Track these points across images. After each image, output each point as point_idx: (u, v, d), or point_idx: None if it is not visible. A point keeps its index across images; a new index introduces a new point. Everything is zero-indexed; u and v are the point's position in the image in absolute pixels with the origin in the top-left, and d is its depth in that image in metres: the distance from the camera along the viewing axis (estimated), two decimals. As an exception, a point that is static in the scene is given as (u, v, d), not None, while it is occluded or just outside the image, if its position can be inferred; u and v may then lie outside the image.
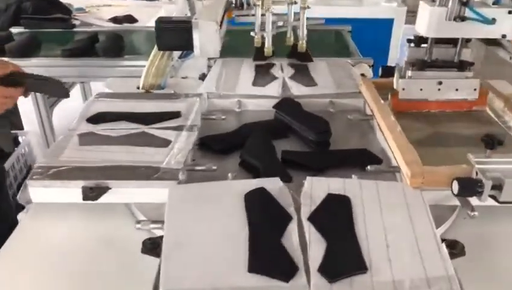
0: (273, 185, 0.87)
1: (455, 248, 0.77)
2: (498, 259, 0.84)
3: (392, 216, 0.80)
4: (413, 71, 1.18)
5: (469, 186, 0.81)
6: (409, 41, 1.22)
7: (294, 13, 1.55)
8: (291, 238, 0.75)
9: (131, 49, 1.96)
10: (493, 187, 0.79)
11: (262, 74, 1.45)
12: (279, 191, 0.86)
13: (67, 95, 1.14)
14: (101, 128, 1.12)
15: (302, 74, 1.45)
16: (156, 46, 1.56)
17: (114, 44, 1.88)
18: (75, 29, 2.20)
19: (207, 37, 1.28)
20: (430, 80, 1.19)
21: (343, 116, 1.26)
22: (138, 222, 0.85)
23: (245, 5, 1.63)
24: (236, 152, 1.06)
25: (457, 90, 1.21)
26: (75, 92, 2.52)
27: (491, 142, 0.87)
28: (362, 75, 1.43)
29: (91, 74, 1.85)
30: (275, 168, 0.98)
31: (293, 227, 0.77)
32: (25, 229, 0.93)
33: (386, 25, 2.74)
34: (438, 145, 1.13)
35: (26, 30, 2.14)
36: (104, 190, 0.91)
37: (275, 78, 1.42)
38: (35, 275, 0.82)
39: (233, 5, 1.67)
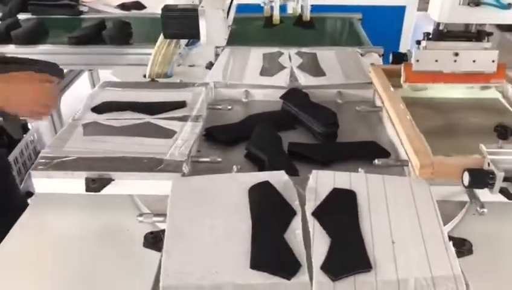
0: (278, 178, 0.86)
1: (463, 247, 0.75)
2: (507, 258, 0.82)
3: (399, 212, 0.78)
4: (429, 41, 1.12)
5: (480, 178, 0.79)
6: (418, 43, 1.15)
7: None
8: (294, 234, 0.74)
9: (139, 36, 1.94)
10: (505, 179, 0.77)
11: (270, 63, 1.43)
12: (283, 185, 0.85)
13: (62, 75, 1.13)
14: (106, 118, 1.11)
15: (311, 64, 1.42)
16: (162, 34, 1.55)
17: (121, 31, 1.87)
18: (82, 16, 2.19)
19: (214, 25, 1.25)
20: (445, 51, 1.12)
21: (352, 108, 1.24)
22: (140, 214, 0.84)
23: None
24: (242, 143, 1.05)
25: (474, 61, 1.13)
26: (84, 79, 2.51)
27: (504, 132, 0.84)
28: (372, 64, 1.40)
29: (98, 62, 1.84)
30: (281, 161, 0.97)
31: (297, 222, 0.76)
32: (28, 219, 0.93)
33: (397, 12, 2.68)
34: (448, 135, 1.11)
35: (34, 16, 2.13)
36: (107, 181, 0.90)
37: (283, 67, 1.39)
38: (37, 266, 0.82)
39: None
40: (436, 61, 1.12)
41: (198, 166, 0.98)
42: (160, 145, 0.99)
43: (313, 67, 1.40)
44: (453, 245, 0.72)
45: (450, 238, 0.73)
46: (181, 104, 1.16)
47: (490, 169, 0.79)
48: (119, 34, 1.85)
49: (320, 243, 0.72)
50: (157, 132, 1.05)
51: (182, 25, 1.28)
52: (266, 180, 0.85)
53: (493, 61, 1.14)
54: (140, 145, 0.99)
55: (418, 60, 1.13)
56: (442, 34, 1.12)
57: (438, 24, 1.11)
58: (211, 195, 0.82)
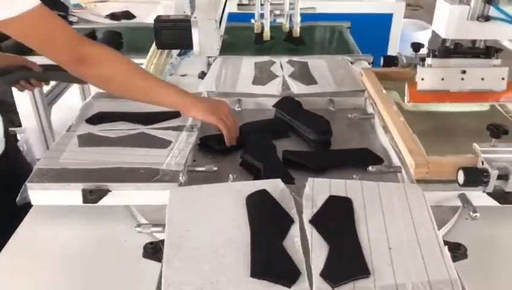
0: (274, 186, 0.87)
1: (458, 251, 0.77)
2: (500, 261, 0.84)
3: (394, 218, 0.80)
4: (434, 59, 1.06)
5: (474, 176, 0.80)
6: (422, 60, 1.09)
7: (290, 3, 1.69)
8: (293, 242, 0.75)
9: (129, 46, 1.94)
10: (499, 177, 0.79)
11: (262, 72, 1.44)
12: (280, 193, 0.86)
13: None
14: (100, 129, 1.11)
15: (302, 72, 1.44)
16: (154, 44, 1.56)
17: (112, 41, 1.86)
18: (72, 26, 2.18)
19: (206, 36, 1.27)
20: (452, 69, 1.06)
21: (344, 115, 1.25)
22: (138, 225, 0.85)
23: None
24: (237, 152, 1.06)
25: (482, 79, 1.08)
26: (74, 90, 2.50)
27: (497, 131, 0.86)
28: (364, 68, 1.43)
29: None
30: (276, 169, 0.98)
31: (295, 230, 0.77)
32: (25, 232, 0.92)
33: (385, 19, 2.72)
34: (441, 135, 1.12)
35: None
36: (104, 192, 0.91)
37: (275, 76, 1.41)
38: (35, 279, 0.81)
39: None
40: (443, 79, 1.06)
41: (194, 175, 0.98)
42: (156, 156, 0.99)
43: (305, 76, 1.41)
44: (448, 250, 0.73)
45: (445, 243, 0.75)
46: (175, 114, 1.17)
47: (484, 167, 0.81)
48: (109, 44, 1.85)
49: (319, 250, 0.73)
50: (152, 142, 1.06)
51: (174, 36, 1.30)
52: (263, 188, 0.86)
53: (503, 78, 1.08)
54: (136, 156, 1.00)
55: (422, 79, 1.06)
56: (448, 50, 1.06)
57: (444, 40, 1.05)
58: (208, 204, 0.83)
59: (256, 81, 1.39)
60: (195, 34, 1.26)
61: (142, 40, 2.04)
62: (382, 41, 2.72)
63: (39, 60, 1.45)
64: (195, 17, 1.26)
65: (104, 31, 1.96)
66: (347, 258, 0.72)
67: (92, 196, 0.89)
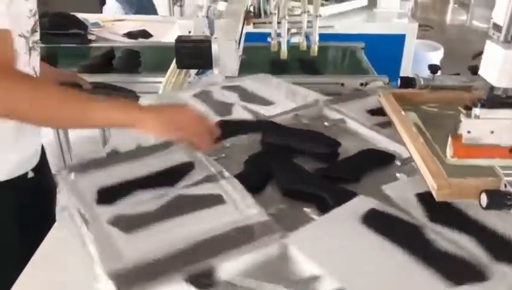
0: (367, 203, 0.90)
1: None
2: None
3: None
4: (482, 109, 0.94)
5: (498, 199, 0.80)
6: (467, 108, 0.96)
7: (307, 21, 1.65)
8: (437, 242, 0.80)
9: (147, 65, 1.97)
10: (523, 200, 0.79)
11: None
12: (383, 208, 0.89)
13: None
14: (125, 208, 0.90)
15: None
16: (173, 63, 1.59)
17: (130, 60, 1.90)
18: (91, 45, 2.23)
19: (226, 56, 1.29)
20: (503, 121, 0.94)
21: (320, 124, 1.27)
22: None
23: (262, 14, 1.68)
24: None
25: None
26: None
27: None
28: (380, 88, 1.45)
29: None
30: (338, 191, 0.97)
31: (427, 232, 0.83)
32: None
33: (398, 40, 2.75)
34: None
35: (43, 45, 2.16)
36: (211, 273, 0.74)
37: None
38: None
39: (252, 14, 1.73)
40: (492, 132, 0.95)
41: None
42: (223, 214, 0.87)
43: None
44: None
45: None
46: (191, 166, 1.02)
47: (507, 190, 0.81)
48: (128, 62, 1.89)
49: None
50: (203, 203, 0.90)
51: (195, 56, 1.32)
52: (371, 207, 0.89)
53: None
54: (202, 224, 0.85)
55: (469, 131, 0.94)
56: (499, 100, 0.94)
57: (492, 88, 0.93)
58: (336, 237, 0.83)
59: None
60: (215, 55, 1.28)
61: (159, 59, 2.08)
62: (395, 62, 2.73)
63: (89, 77, 1.50)
64: (215, 38, 1.28)
65: (122, 50, 1.99)
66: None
67: (205, 281, 0.72)
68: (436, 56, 3.51)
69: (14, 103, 0.87)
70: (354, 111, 1.29)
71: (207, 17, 1.57)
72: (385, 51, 2.60)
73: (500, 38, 0.88)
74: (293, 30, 1.70)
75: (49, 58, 2.00)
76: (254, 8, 1.69)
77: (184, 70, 1.62)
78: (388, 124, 1.21)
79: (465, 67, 1.35)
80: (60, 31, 2.21)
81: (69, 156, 1.99)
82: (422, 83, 1.31)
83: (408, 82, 1.35)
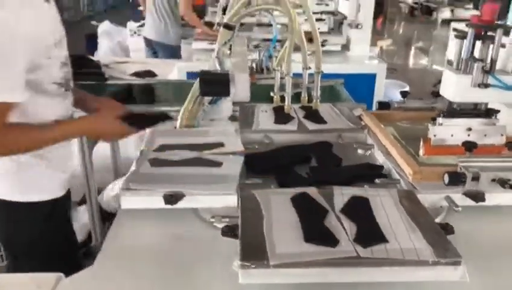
0: (311, 191, 1.16)
1: (447, 228, 1.05)
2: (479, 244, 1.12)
3: (395, 210, 1.09)
4: (444, 118, 1.29)
5: (455, 178, 1.10)
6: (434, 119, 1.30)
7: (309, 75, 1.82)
8: (331, 222, 1.03)
9: (160, 98, 2.26)
10: (473, 178, 1.08)
11: (281, 116, 1.75)
12: (316, 196, 1.14)
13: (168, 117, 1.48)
14: (166, 154, 1.39)
15: (313, 115, 1.76)
16: (190, 95, 1.87)
17: (147, 93, 2.18)
18: (108, 82, 2.51)
19: (241, 86, 1.59)
20: (460, 127, 1.27)
21: (350, 146, 1.56)
22: (212, 217, 1.11)
23: (265, 70, 1.93)
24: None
25: (485, 135, 1.28)
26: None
27: (469, 146, 1.17)
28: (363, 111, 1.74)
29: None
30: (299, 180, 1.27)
31: (331, 216, 1.05)
32: (117, 232, 1.18)
33: (370, 78, 3.13)
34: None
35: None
36: (180, 196, 1.17)
37: (291, 118, 1.72)
38: (137, 266, 1.06)
39: (254, 70, 1.96)
40: (452, 135, 1.27)
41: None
42: (214, 172, 1.27)
43: (315, 117, 1.73)
44: (441, 228, 1.02)
45: (439, 224, 1.04)
46: (220, 144, 1.45)
47: (462, 172, 1.11)
48: (146, 96, 2.16)
49: (349, 227, 1.01)
50: (208, 163, 1.33)
51: (216, 86, 1.61)
52: (304, 191, 1.14)
53: (502, 134, 1.28)
54: (198, 171, 1.28)
55: (435, 135, 1.29)
56: (455, 111, 1.28)
57: (450, 103, 1.28)
58: (266, 202, 1.11)
59: (277, 121, 1.70)
60: (232, 85, 1.57)
61: (170, 92, 2.37)
62: (368, 96, 3.10)
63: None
64: (232, 72, 1.58)
65: (138, 85, 2.28)
66: (370, 232, 1.00)
67: (171, 199, 1.16)
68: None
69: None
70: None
71: (217, 57, 1.87)
72: (360, 87, 2.96)
73: (454, 68, 1.22)
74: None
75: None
76: (256, 65, 1.95)
77: (198, 100, 1.90)
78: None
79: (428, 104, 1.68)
80: (78, 70, 2.47)
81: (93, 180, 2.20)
82: (395, 105, 1.63)
83: (384, 105, 1.67)
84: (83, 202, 2.66)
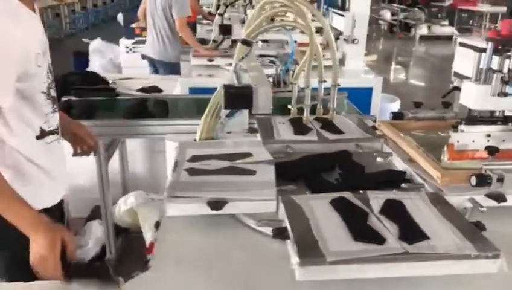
0: (347, 196, 1.23)
1: (479, 226, 1.13)
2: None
3: (430, 210, 1.17)
4: (465, 125, 1.38)
5: (482, 179, 1.18)
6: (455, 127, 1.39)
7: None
8: (373, 223, 1.10)
9: (171, 112, 2.31)
10: (498, 180, 1.17)
11: (299, 127, 1.82)
12: (353, 199, 1.22)
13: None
14: (200, 164, 1.44)
15: (329, 126, 1.84)
16: (207, 108, 1.93)
17: (161, 107, 2.23)
18: (121, 97, 2.55)
19: (264, 98, 1.66)
20: (480, 133, 1.37)
21: (369, 154, 1.64)
22: (259, 220, 1.17)
23: (282, 84, 2.01)
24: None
25: (503, 141, 1.37)
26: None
27: (492, 150, 1.26)
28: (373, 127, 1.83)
29: (143, 131, 2.17)
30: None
31: (372, 217, 1.12)
32: (165, 239, 1.22)
33: (367, 92, 3.24)
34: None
35: (76, 98, 2.46)
36: (223, 203, 1.22)
37: (310, 129, 1.80)
38: (188, 273, 1.11)
39: (272, 84, 2.02)
40: (473, 141, 1.37)
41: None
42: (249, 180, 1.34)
43: (332, 128, 1.81)
44: (474, 225, 1.10)
45: (472, 222, 1.12)
46: (248, 154, 1.51)
47: (487, 174, 1.20)
48: (160, 109, 2.22)
49: (391, 227, 1.08)
50: (242, 171, 1.39)
51: (239, 99, 1.68)
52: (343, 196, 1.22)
53: None
54: (234, 180, 1.33)
55: (458, 141, 1.38)
56: (475, 118, 1.38)
57: (470, 110, 1.38)
58: (308, 205, 1.17)
59: (297, 132, 1.77)
60: (255, 97, 1.64)
61: (181, 107, 2.43)
62: (366, 109, 3.21)
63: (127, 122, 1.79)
64: (255, 85, 1.65)
65: (151, 100, 2.32)
66: (412, 230, 1.07)
67: (216, 205, 1.21)
68: (396, 105, 4.07)
69: None
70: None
71: (235, 72, 1.94)
72: (357, 100, 3.07)
73: (472, 79, 1.34)
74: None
75: (82, 108, 2.31)
76: (274, 79, 2.01)
77: (215, 114, 1.96)
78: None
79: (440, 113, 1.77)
80: (90, 86, 2.51)
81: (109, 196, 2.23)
82: (409, 115, 1.73)
83: (397, 116, 1.76)
84: (91, 217, 2.68)
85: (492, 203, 1.26)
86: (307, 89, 1.81)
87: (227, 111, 1.94)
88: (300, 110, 1.90)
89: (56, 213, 1.55)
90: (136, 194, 2.53)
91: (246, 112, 1.88)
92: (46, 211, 1.41)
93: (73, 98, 2.46)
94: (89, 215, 2.70)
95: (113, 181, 2.69)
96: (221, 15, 4.32)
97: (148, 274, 1.08)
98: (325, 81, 1.88)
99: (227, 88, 1.69)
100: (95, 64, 5.54)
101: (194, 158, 1.50)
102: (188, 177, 1.36)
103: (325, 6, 3.61)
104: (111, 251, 2.30)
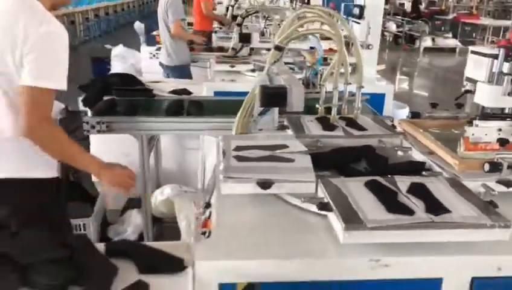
0: (378, 179, 1.42)
1: (492, 204, 1.31)
2: None
3: (449, 191, 1.35)
4: (479, 120, 1.57)
5: (494, 166, 1.36)
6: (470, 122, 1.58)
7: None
8: (402, 199, 1.28)
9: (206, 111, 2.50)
10: (508, 167, 1.35)
11: (326, 124, 2.00)
12: (383, 182, 1.40)
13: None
14: (244, 153, 1.62)
15: (353, 124, 2.02)
16: (242, 108, 2.12)
17: (198, 107, 2.42)
18: (155, 98, 2.74)
19: (297, 98, 1.84)
20: (492, 128, 1.55)
21: (391, 149, 1.82)
22: (304, 198, 1.34)
23: (311, 85, 2.19)
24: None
25: None
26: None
27: (502, 141, 1.44)
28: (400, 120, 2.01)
29: (181, 128, 2.36)
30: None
31: (401, 195, 1.31)
32: (223, 213, 1.41)
33: (379, 98, 3.42)
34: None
35: (114, 98, 2.64)
36: (270, 183, 1.40)
37: (336, 126, 1.98)
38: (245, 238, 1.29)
39: None
40: (486, 134, 1.55)
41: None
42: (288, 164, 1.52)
43: (356, 125, 1.99)
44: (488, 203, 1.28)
45: (486, 201, 1.30)
46: (285, 146, 1.70)
47: (499, 161, 1.38)
48: (197, 109, 2.41)
49: (418, 202, 1.26)
50: (282, 159, 1.57)
51: (274, 98, 1.86)
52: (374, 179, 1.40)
53: None
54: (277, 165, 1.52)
55: (473, 134, 1.56)
56: (488, 115, 1.58)
57: (483, 108, 1.60)
58: (344, 186, 1.36)
59: (325, 128, 1.95)
60: (289, 96, 1.82)
61: (214, 107, 2.61)
62: (379, 113, 3.38)
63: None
64: (289, 86, 1.84)
65: (187, 101, 2.52)
66: (436, 205, 1.25)
67: (265, 185, 1.39)
68: (405, 112, 4.25)
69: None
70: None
71: (268, 74, 2.13)
72: (371, 105, 3.26)
73: (486, 81, 1.54)
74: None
75: (126, 106, 2.49)
76: (303, 81, 2.18)
77: (248, 113, 2.15)
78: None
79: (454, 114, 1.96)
80: (128, 87, 2.71)
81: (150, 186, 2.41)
82: (426, 115, 1.91)
83: (415, 115, 1.95)
84: (126, 208, 2.87)
85: (503, 188, 1.44)
86: (336, 90, 1.99)
87: (260, 110, 2.14)
88: (326, 110, 2.09)
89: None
90: (171, 187, 2.72)
91: (276, 110, 2.07)
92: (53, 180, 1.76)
93: (116, 98, 2.63)
94: (124, 206, 2.88)
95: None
96: (239, 25, 4.57)
97: (213, 238, 1.26)
98: (349, 83, 2.06)
99: (264, 88, 1.87)
100: (117, 69, 5.75)
101: (238, 148, 1.68)
102: (237, 162, 1.54)
103: (345, 16, 3.80)
104: (148, 238, 2.48)
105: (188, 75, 4.68)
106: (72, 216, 2.12)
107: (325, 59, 3.92)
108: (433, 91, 8.99)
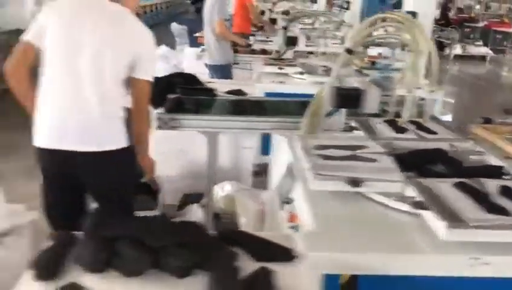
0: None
1: None
2: None
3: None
4: None
5: None
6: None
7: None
8: (496, 201, 1.31)
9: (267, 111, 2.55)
10: None
11: (396, 127, 2.03)
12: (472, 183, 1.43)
13: None
14: (326, 152, 1.65)
15: (423, 127, 2.04)
16: (309, 109, 2.16)
17: (260, 107, 2.48)
18: (216, 98, 2.80)
19: (372, 99, 1.88)
20: None
21: (464, 153, 1.83)
22: (395, 197, 1.38)
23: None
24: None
25: None
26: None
27: None
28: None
29: (245, 126, 2.40)
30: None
31: (493, 197, 1.33)
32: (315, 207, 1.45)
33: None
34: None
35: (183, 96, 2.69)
36: (361, 182, 1.43)
37: (406, 129, 2.00)
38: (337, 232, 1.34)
39: None
40: None
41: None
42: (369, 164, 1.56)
43: (425, 129, 2.01)
44: None
45: None
46: (364, 146, 1.73)
47: None
48: (259, 108, 2.46)
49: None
50: (365, 159, 1.61)
51: (349, 99, 1.90)
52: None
53: None
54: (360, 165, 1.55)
55: None
56: None
57: None
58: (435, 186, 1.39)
59: (397, 132, 1.98)
60: (366, 98, 1.86)
61: (273, 107, 2.66)
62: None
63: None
64: (365, 87, 1.88)
65: (246, 100, 2.58)
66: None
67: (356, 184, 1.42)
68: (448, 118, 4.24)
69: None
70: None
71: (337, 77, 2.17)
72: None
73: None
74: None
75: (191, 104, 2.56)
76: None
77: (317, 112, 2.19)
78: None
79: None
80: (191, 86, 2.78)
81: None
82: (499, 120, 1.93)
83: (487, 120, 1.96)
84: (183, 203, 2.94)
85: None
86: (410, 94, 2.02)
87: (328, 110, 2.18)
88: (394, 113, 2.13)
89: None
90: (231, 183, 2.78)
91: (344, 111, 2.11)
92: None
93: (181, 96, 2.69)
94: (180, 201, 2.96)
95: (201, 172, 2.93)
96: (285, 28, 4.62)
97: (316, 231, 1.31)
98: (420, 88, 2.09)
99: (338, 90, 1.91)
100: (159, 69, 5.84)
101: (318, 147, 1.72)
102: (322, 161, 1.59)
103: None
104: (209, 232, 2.54)
105: (229, 76, 4.75)
106: (137, 208, 2.18)
107: (372, 63, 3.97)
108: (461, 98, 8.88)
